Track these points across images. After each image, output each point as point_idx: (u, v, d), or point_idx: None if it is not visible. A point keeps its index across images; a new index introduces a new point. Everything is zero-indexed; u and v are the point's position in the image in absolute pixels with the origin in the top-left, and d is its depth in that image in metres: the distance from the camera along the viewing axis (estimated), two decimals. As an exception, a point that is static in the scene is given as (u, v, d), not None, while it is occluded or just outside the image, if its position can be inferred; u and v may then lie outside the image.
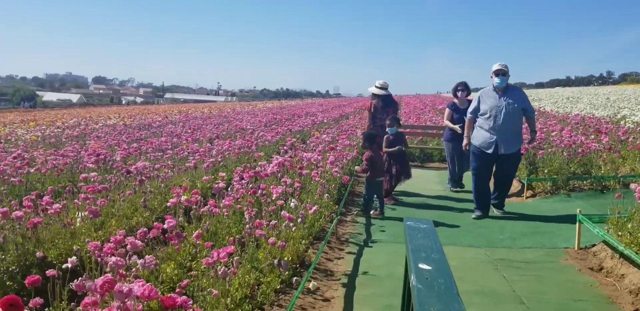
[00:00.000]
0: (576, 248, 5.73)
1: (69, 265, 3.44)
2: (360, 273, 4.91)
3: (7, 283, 4.29)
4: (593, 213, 5.88)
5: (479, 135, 7.00)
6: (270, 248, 4.49)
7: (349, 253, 5.60)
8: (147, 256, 3.44)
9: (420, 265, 1.39)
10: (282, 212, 4.91)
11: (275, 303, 4.07)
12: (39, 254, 4.43)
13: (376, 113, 8.84)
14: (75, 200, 5.43)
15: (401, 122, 9.30)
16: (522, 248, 5.87)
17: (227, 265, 3.46)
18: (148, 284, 2.33)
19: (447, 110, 9.08)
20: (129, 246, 3.96)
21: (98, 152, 9.69)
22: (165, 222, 4.18)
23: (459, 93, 8.84)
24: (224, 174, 6.81)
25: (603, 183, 8.75)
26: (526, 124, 7.30)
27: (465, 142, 7.46)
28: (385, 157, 7.87)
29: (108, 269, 3.67)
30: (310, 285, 4.21)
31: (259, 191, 6.10)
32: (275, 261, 3.96)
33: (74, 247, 5.05)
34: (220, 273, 3.32)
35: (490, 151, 6.87)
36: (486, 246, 5.89)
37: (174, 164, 8.41)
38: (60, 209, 4.92)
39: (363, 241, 6.03)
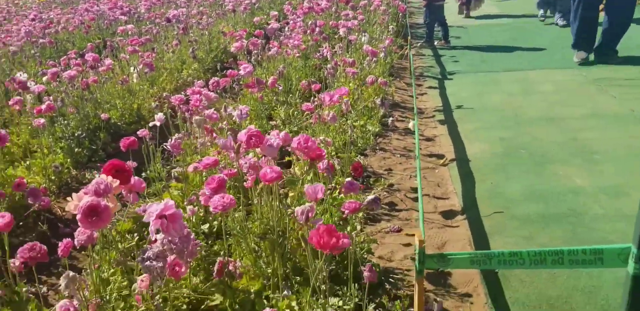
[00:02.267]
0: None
1: (157, 123, 2.98)
2: (453, 108, 4.43)
3: (76, 150, 3.93)
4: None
5: None
6: (361, 89, 3.98)
7: (430, 88, 5.07)
8: (241, 107, 2.96)
9: None
10: (365, 47, 4.29)
11: (377, 147, 3.67)
12: (104, 116, 4.01)
13: None
14: (123, 55, 4.85)
15: None
16: (618, 65, 5.23)
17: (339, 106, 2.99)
18: (301, 134, 1.86)
19: None
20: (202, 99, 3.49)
21: (120, 5, 8.83)
22: (241, 67, 3.61)
23: None
24: (276, 13, 6.03)
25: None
26: None
27: None
28: None
29: (195, 124, 3.25)
30: (410, 125, 3.77)
31: (317, 28, 5.41)
32: (378, 100, 3.46)
33: (134, 106, 4.64)
34: (329, 117, 2.85)
35: None
36: (578, 67, 5.27)
37: (208, 10, 7.60)
38: (112, 65, 4.37)
39: (440, 75, 5.47)
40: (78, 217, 1.79)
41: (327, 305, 1.66)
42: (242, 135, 1.81)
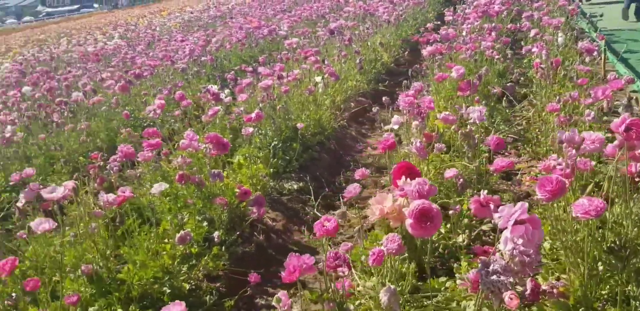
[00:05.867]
0: None
1: (395, 126, 2.77)
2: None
3: (272, 160, 3.84)
4: None
5: None
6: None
7: None
8: (477, 108, 2.69)
9: None
10: (581, 44, 3.89)
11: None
12: (299, 125, 3.90)
13: None
14: (303, 65, 4.77)
15: None
16: None
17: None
18: None
19: None
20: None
21: (263, 25, 9.01)
22: (454, 69, 3.35)
23: None
24: (450, 17, 5.76)
25: None
26: None
27: None
28: None
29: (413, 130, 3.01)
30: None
31: (493, 32, 5.07)
32: (623, 100, 3.06)
33: (317, 116, 4.52)
34: (589, 117, 2.49)
35: None
36: None
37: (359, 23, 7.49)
38: (298, 75, 4.29)
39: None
40: (408, 221, 1.57)
41: None
42: (616, 124, 1.50)
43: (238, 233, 3.00)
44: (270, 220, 3.36)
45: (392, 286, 1.55)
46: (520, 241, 1.44)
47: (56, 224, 1.97)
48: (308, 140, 4.29)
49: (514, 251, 1.46)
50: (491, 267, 1.47)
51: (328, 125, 4.60)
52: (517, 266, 1.48)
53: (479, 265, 1.50)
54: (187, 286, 2.51)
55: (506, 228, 1.41)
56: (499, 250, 1.52)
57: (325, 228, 1.58)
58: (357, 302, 1.84)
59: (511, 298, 1.42)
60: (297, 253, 3.07)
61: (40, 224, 1.89)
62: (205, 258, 2.72)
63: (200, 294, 2.52)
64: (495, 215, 1.84)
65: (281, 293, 1.54)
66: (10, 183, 3.06)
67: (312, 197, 3.63)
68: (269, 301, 2.69)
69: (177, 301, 1.52)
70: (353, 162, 4.25)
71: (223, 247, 2.83)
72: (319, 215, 3.47)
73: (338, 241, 3.17)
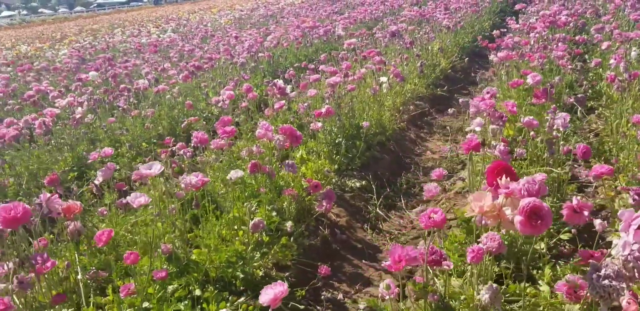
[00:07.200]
0: None
1: (477, 128, 2.75)
2: None
3: (335, 157, 3.85)
4: None
5: None
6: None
7: None
8: (563, 114, 2.65)
9: None
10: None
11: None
12: (365, 124, 3.90)
13: None
14: (368, 65, 4.76)
15: None
16: None
17: None
18: None
19: None
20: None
21: (318, 25, 9.05)
22: (529, 76, 3.31)
23: None
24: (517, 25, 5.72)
25: None
26: None
27: None
28: None
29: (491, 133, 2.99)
30: None
31: (559, 43, 4.99)
32: None
33: (378, 116, 4.52)
34: None
35: None
36: None
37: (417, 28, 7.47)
38: (363, 75, 4.29)
39: None
40: (518, 218, 1.56)
41: None
42: None
43: (304, 225, 3.02)
44: (334, 216, 3.37)
45: (495, 285, 1.54)
46: (636, 246, 1.41)
47: (150, 199, 2.01)
48: (369, 140, 4.28)
49: (629, 256, 1.43)
50: (603, 271, 1.45)
51: (389, 126, 4.60)
52: (629, 272, 1.46)
53: (589, 268, 1.47)
54: (260, 273, 2.52)
55: (626, 232, 1.38)
56: (609, 255, 1.50)
57: (432, 220, 1.58)
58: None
59: (629, 303, 1.39)
60: (362, 250, 3.11)
61: (137, 198, 1.94)
62: (275, 247, 2.74)
63: (270, 282, 2.52)
64: (596, 221, 1.82)
65: (389, 280, 1.54)
66: (88, 162, 3.12)
67: (375, 196, 3.63)
68: (335, 295, 2.70)
69: (278, 281, 1.55)
70: (413, 164, 4.24)
71: (291, 238, 2.84)
72: (381, 213, 3.48)
73: (402, 242, 3.17)
